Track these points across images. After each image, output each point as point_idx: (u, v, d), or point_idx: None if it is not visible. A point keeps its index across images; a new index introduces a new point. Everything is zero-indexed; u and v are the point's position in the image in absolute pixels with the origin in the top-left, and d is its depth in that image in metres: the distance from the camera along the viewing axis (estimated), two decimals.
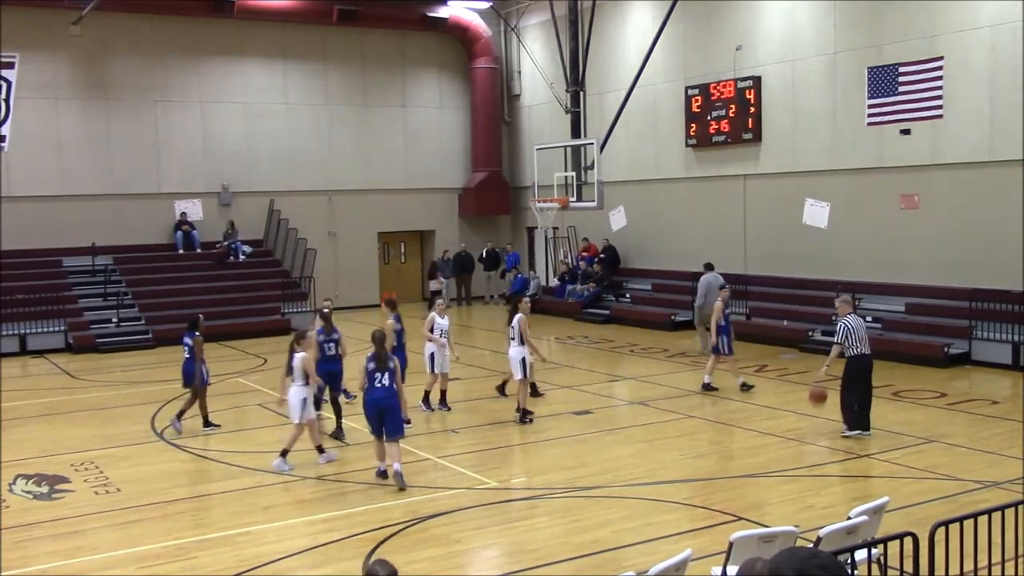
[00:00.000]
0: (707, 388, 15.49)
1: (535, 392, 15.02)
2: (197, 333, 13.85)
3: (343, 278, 28.13)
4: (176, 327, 23.00)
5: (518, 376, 13.70)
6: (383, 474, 10.95)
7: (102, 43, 25.52)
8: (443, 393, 14.65)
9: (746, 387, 15.42)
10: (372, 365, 10.81)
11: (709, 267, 20.02)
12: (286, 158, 28.01)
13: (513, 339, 13.76)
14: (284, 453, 11.62)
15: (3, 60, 20.20)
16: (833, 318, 18.85)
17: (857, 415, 12.49)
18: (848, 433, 12.46)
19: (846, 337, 12.50)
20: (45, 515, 10.13)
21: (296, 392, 11.66)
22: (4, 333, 21.78)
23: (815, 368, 14.03)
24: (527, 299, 15.21)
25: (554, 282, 28.08)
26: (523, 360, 13.59)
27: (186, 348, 13.88)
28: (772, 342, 20.16)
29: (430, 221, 30.53)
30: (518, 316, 13.70)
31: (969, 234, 18.26)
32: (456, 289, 29.52)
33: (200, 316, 14.53)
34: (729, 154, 23.20)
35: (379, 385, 10.73)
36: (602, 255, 26.29)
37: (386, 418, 10.74)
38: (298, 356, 11.68)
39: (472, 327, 25.66)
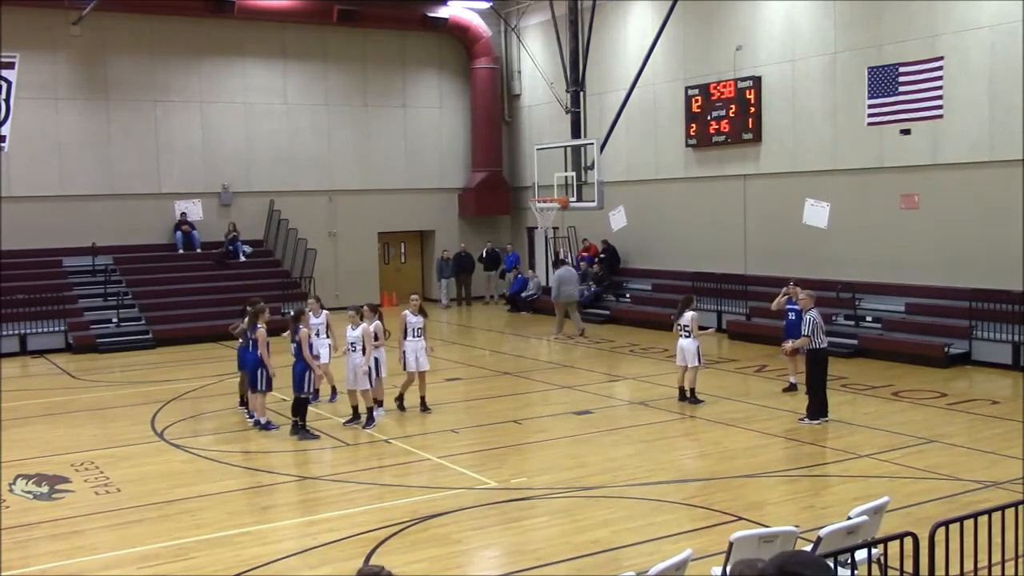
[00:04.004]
0: None
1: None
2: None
3: (343, 278, 28.12)
4: (176, 327, 23.18)
5: (694, 364, 14.74)
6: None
7: (102, 43, 25.50)
8: None
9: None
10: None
11: (562, 262, 24.39)
12: (286, 158, 28.00)
13: (688, 333, 14.79)
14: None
15: (3, 60, 20.17)
16: (833, 318, 18.99)
17: (822, 404, 13.23)
18: (815, 422, 13.07)
19: (814, 330, 13.03)
20: (45, 515, 10.11)
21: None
22: (4, 333, 21.77)
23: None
24: (695, 297, 15.90)
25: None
26: (697, 348, 14.74)
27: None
28: (772, 342, 20.12)
29: (430, 221, 30.52)
30: (691, 314, 14.76)
31: (969, 234, 18.26)
32: (456, 289, 29.54)
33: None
34: (729, 154, 23.19)
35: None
36: (602, 255, 26.28)
37: None
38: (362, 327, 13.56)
39: (472, 327, 25.66)
